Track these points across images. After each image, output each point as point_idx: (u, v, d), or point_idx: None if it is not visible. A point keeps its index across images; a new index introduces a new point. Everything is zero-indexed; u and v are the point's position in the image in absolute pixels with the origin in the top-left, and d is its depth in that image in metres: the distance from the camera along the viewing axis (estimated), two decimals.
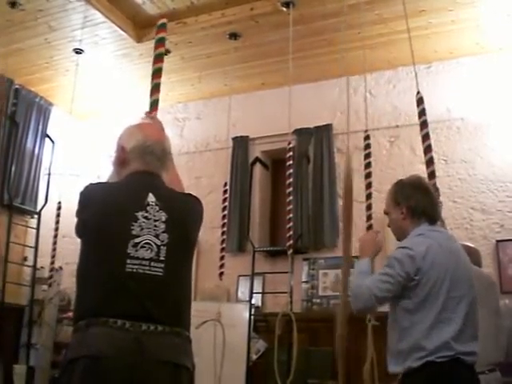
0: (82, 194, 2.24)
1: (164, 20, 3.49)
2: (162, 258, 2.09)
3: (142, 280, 2.03)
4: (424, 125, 4.17)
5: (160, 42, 3.51)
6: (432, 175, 3.93)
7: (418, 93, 4.22)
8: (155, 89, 3.39)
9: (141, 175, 2.28)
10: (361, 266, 2.91)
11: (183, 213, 2.28)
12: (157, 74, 3.44)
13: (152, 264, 2.07)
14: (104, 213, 2.14)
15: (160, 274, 2.07)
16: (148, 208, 2.15)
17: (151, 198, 2.18)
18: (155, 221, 2.13)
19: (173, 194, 2.34)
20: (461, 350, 2.55)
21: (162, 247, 2.11)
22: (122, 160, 2.34)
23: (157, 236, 2.11)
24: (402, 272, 2.63)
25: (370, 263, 2.94)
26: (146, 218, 2.12)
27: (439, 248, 2.69)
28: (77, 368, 1.90)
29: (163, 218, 2.15)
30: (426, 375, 2.55)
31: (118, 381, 1.88)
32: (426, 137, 4.12)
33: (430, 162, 4.03)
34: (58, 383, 2.03)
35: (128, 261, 2.04)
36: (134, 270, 2.03)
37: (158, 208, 2.16)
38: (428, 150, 4.11)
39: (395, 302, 2.73)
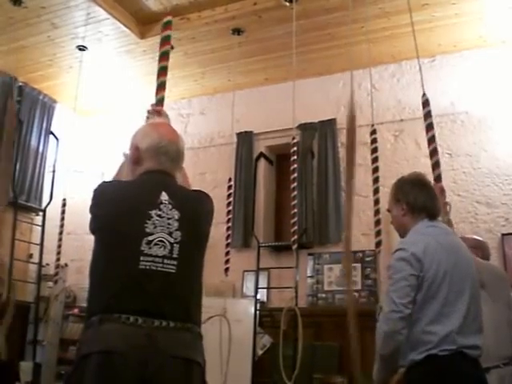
0: (95, 191, 2.26)
1: (169, 17, 3.48)
2: (174, 256, 2.11)
3: (154, 277, 2.06)
4: (430, 127, 4.11)
5: (166, 40, 3.50)
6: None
7: (424, 95, 4.15)
8: (161, 87, 3.38)
9: (154, 174, 2.30)
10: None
11: (195, 211, 2.30)
12: (162, 71, 3.43)
13: (165, 261, 2.09)
14: (118, 211, 2.16)
15: (173, 271, 2.09)
16: (161, 206, 2.17)
17: (164, 196, 2.20)
18: (168, 219, 2.15)
19: (185, 192, 2.36)
20: (464, 343, 2.56)
21: (175, 245, 2.13)
22: (135, 159, 2.35)
23: (170, 234, 2.14)
24: (412, 271, 2.64)
25: None
26: (159, 216, 2.14)
27: (437, 244, 2.71)
28: (90, 363, 1.92)
29: (176, 217, 2.17)
30: (429, 368, 2.56)
31: (131, 376, 1.90)
32: (431, 139, 4.05)
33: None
34: (70, 378, 2.03)
35: (141, 258, 2.06)
36: (147, 267, 2.05)
37: (171, 206, 2.18)
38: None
39: None
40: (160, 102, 3.30)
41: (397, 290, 2.64)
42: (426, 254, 2.66)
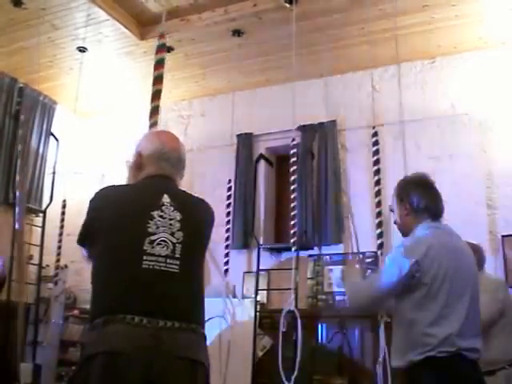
0: (96, 195, 2.29)
1: (163, 40, 3.51)
2: (177, 256, 2.13)
3: (158, 276, 2.08)
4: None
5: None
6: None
7: None
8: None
9: (155, 178, 2.35)
10: (352, 285, 3.04)
11: (197, 213, 2.34)
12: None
13: (168, 261, 2.11)
14: (120, 212, 2.19)
15: (176, 270, 2.11)
16: (163, 208, 2.20)
17: (166, 198, 2.23)
18: (170, 219, 2.18)
19: (186, 195, 2.39)
20: (463, 345, 2.58)
21: (177, 245, 2.15)
22: (137, 165, 2.41)
23: (172, 234, 2.16)
24: (404, 269, 2.67)
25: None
26: (161, 216, 2.17)
27: (440, 245, 2.73)
28: (95, 364, 1.93)
29: (178, 218, 2.20)
30: (428, 370, 2.58)
31: (136, 376, 1.91)
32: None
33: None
34: (74, 379, 2.06)
35: (144, 257, 2.08)
36: (151, 267, 2.07)
37: (172, 208, 2.21)
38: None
39: (399, 298, 2.76)
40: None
41: (386, 277, 2.75)
42: (427, 256, 2.67)
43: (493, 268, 5.60)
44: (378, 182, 5.32)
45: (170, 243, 2.13)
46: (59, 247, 6.54)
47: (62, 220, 6.60)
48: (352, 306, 3.01)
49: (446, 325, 2.59)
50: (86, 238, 2.25)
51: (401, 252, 2.74)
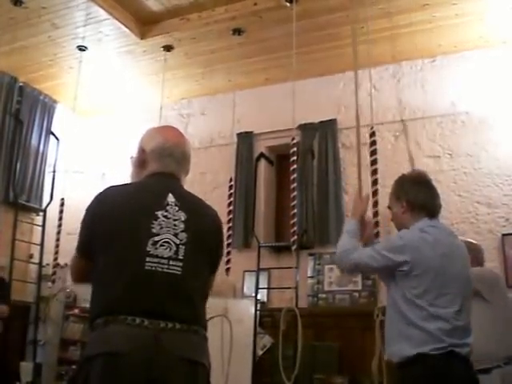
0: (100, 195, 2.23)
1: None
2: (180, 257, 2.09)
3: (160, 278, 2.04)
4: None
5: None
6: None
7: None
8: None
9: (159, 176, 2.29)
10: (348, 225, 3.13)
11: (201, 214, 2.30)
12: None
13: (171, 262, 2.07)
14: (122, 213, 2.14)
15: (178, 272, 2.08)
16: (168, 208, 2.15)
17: (171, 198, 2.18)
18: (174, 220, 2.14)
19: (192, 196, 2.34)
20: (454, 342, 2.60)
21: (180, 246, 2.11)
22: (140, 161, 2.35)
23: (176, 235, 2.12)
24: (390, 256, 2.74)
25: (357, 224, 3.12)
26: (165, 217, 2.13)
27: (435, 244, 2.74)
28: (95, 365, 1.91)
29: (182, 218, 2.16)
30: (422, 369, 2.59)
31: (137, 377, 1.89)
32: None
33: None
34: (74, 380, 2.03)
35: (147, 259, 2.04)
36: (153, 268, 2.04)
37: (177, 208, 2.17)
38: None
39: (391, 289, 2.80)
40: None
41: (369, 259, 2.81)
42: (419, 253, 2.70)
43: (493, 267, 5.60)
44: (375, 182, 5.29)
45: (173, 244, 2.09)
46: (57, 246, 6.52)
47: (60, 218, 6.58)
48: (337, 253, 3.02)
49: (437, 321, 2.61)
50: (87, 250, 2.19)
51: (395, 245, 2.78)
